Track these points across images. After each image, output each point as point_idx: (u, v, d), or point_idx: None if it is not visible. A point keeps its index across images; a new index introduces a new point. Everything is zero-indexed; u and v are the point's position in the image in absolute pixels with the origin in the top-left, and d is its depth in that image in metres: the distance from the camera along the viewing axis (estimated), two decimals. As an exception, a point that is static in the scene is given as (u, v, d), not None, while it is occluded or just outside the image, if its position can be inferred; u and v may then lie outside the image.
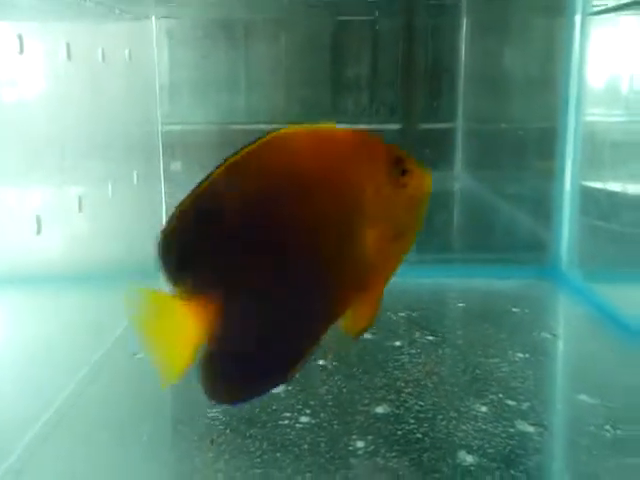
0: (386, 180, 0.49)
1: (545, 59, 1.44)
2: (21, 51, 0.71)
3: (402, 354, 0.94)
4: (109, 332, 0.99)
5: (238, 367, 0.48)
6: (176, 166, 1.40)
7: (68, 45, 0.87)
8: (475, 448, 0.68)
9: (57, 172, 0.86)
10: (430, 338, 1.00)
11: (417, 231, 0.51)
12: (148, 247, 1.32)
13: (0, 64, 0.71)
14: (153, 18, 1.37)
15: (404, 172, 0.49)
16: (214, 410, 0.77)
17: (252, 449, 0.69)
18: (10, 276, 0.83)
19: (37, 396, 0.74)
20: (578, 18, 1.35)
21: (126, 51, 1.16)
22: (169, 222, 0.45)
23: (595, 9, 1.30)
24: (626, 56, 1.22)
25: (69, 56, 0.87)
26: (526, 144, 1.43)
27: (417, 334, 1.02)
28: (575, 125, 1.32)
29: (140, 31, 1.32)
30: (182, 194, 1.62)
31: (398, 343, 0.98)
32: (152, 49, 1.35)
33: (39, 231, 0.74)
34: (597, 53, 1.29)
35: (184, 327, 0.46)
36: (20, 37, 0.71)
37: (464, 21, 1.52)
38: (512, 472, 0.64)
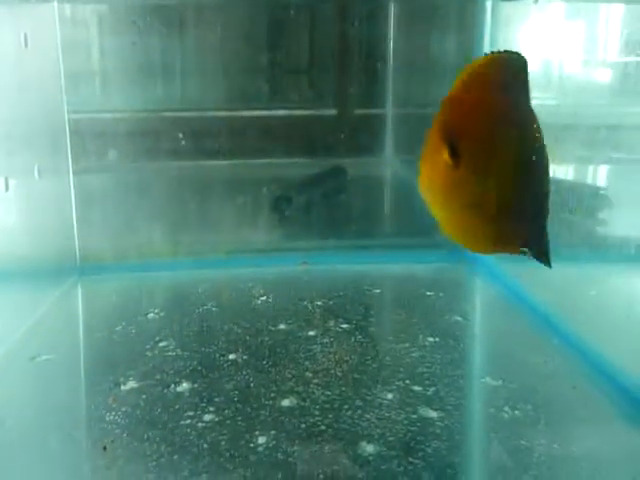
0: None
1: (465, 44, 1.45)
2: None
3: (315, 344, 0.94)
4: (6, 335, 0.94)
5: None
6: (111, 155, 1.34)
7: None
8: (376, 437, 0.68)
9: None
10: (344, 326, 1.00)
11: None
12: (53, 246, 1.26)
13: None
14: (55, 3, 1.30)
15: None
16: (112, 413, 0.75)
17: (148, 453, 0.67)
18: None
19: None
20: (489, 4, 1.37)
21: (21, 36, 1.09)
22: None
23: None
24: (541, 40, 1.24)
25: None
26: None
27: (332, 323, 1.01)
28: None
29: (39, 16, 1.24)
30: (101, 187, 1.52)
31: (312, 333, 0.98)
32: (55, 34, 1.28)
33: None
34: (510, 37, 1.31)
35: None
36: None
37: (392, 7, 1.53)
38: (410, 459, 0.64)
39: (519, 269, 1.20)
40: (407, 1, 1.50)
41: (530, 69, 0.57)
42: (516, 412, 0.73)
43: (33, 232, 1.11)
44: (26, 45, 1.10)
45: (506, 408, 0.74)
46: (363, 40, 1.51)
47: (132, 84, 1.38)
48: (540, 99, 1.30)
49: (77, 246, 1.32)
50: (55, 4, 1.29)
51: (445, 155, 0.53)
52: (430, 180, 0.55)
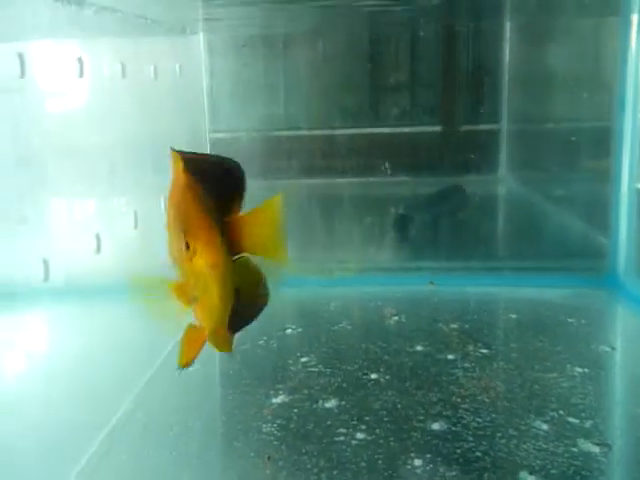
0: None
1: (595, 58, 1.40)
2: (81, 74, 0.73)
3: (456, 368, 0.93)
4: (160, 348, 1.00)
5: None
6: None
7: (123, 64, 0.88)
8: (537, 468, 0.67)
9: (111, 188, 0.88)
10: (484, 351, 0.98)
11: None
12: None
13: (60, 88, 0.73)
14: (201, 33, 1.39)
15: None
16: (268, 425, 0.78)
17: (309, 466, 0.69)
18: (67, 288, 0.84)
19: (91, 413, 0.75)
20: (635, 17, 1.30)
21: (177, 66, 1.18)
22: None
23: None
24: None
25: (124, 74, 0.89)
26: (577, 145, 1.39)
27: (470, 347, 1.00)
28: (632, 125, 1.27)
29: (189, 46, 1.34)
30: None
31: (451, 356, 0.97)
32: (200, 63, 1.38)
33: (99, 249, 0.76)
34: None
35: None
36: (80, 60, 0.73)
37: (507, 22, 1.50)
38: (578, 495, 0.62)
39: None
40: (526, 13, 1.45)
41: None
42: (687, 453, 0.69)
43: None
44: (180, 74, 1.19)
45: (675, 447, 0.70)
46: (471, 54, 1.48)
47: (258, 105, 1.45)
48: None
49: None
50: (201, 34, 1.39)
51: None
52: None
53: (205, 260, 0.47)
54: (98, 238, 0.77)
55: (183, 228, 0.48)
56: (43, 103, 0.69)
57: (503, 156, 1.59)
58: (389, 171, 1.48)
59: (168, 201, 0.50)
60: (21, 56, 0.62)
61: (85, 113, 0.81)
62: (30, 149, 0.65)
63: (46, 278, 0.63)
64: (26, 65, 0.63)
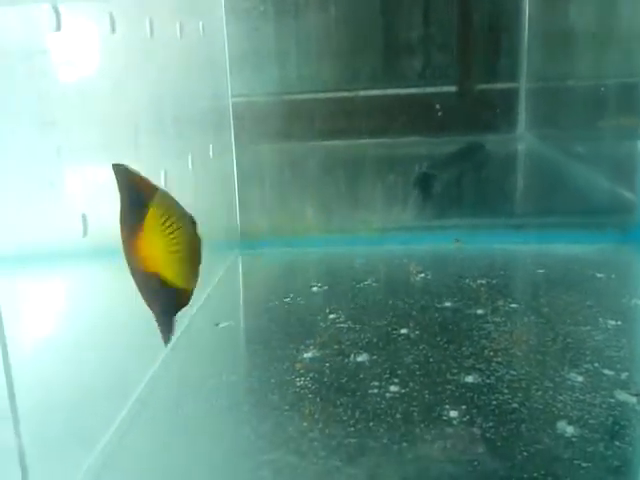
0: None
1: (621, 11, 1.35)
2: (113, 31, 0.72)
3: (486, 322, 0.93)
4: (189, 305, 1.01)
5: None
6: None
7: (151, 21, 0.86)
8: (575, 419, 0.67)
9: (136, 152, 0.87)
10: (514, 306, 0.98)
11: None
12: (221, 223, 1.33)
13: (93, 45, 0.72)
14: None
15: None
16: (301, 378, 0.78)
17: (345, 418, 0.70)
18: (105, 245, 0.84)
19: (122, 372, 0.76)
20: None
21: (200, 24, 1.15)
22: None
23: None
24: None
25: (152, 33, 0.87)
26: (601, 102, 1.36)
27: (499, 302, 1.00)
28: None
29: (210, 4, 1.31)
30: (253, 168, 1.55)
31: (481, 311, 0.97)
32: (222, 22, 1.35)
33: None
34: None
35: None
36: (111, 16, 0.71)
37: None
38: (617, 443, 0.62)
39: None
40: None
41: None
42: None
43: (206, 209, 1.18)
44: (203, 33, 1.16)
45: None
46: (487, 12, 1.44)
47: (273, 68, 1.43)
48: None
49: (238, 222, 1.39)
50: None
51: None
52: None
53: None
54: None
55: None
56: (73, 63, 0.67)
57: (522, 114, 1.56)
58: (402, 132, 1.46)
59: None
60: (57, 10, 0.61)
61: (114, 73, 0.79)
62: (56, 113, 0.64)
63: (85, 233, 0.63)
64: (61, 20, 0.62)
